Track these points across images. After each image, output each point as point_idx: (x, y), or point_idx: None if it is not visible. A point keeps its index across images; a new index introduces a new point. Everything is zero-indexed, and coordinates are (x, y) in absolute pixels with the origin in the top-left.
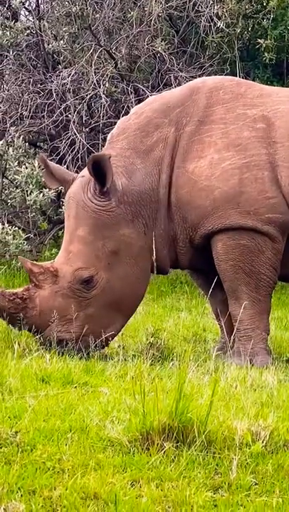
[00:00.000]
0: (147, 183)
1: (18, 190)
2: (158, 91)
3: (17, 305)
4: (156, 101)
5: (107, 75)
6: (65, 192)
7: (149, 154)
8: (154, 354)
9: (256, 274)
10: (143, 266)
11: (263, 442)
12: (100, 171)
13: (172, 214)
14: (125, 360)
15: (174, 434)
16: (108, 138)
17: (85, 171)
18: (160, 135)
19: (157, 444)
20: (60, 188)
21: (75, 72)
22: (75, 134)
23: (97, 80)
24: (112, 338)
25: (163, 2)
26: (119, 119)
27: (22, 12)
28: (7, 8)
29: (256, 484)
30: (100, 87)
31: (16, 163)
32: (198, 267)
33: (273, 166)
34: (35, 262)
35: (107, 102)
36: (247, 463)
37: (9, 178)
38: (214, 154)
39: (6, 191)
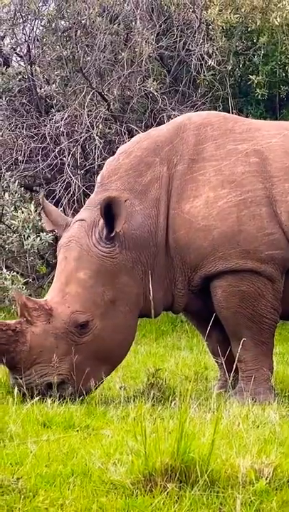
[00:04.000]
0: (146, 226)
1: (15, 235)
2: None
3: (9, 336)
4: (144, 140)
5: (100, 116)
6: (58, 234)
7: (147, 194)
8: (155, 394)
9: (258, 318)
10: (136, 313)
11: (266, 479)
12: (111, 215)
13: (171, 257)
14: (127, 401)
15: (177, 474)
16: (98, 180)
17: (82, 215)
18: (153, 174)
19: (160, 485)
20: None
21: (68, 115)
22: (70, 177)
23: (90, 122)
24: (94, 389)
25: (153, 42)
26: None
27: (13, 58)
28: None
29: None
30: (93, 129)
31: (12, 208)
32: (193, 310)
33: (271, 201)
34: (30, 297)
35: (101, 143)
36: (251, 501)
37: (6, 223)
38: (209, 192)
39: (4, 236)
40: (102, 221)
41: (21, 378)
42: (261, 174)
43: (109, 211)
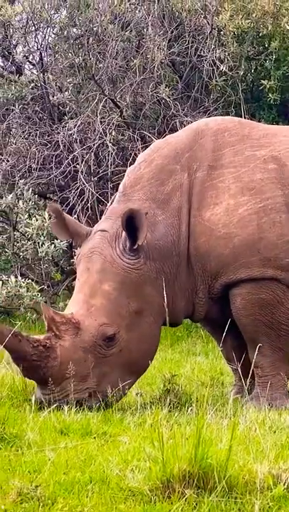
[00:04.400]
0: (169, 236)
1: (29, 243)
2: (164, 137)
3: (40, 353)
4: (164, 147)
5: (113, 123)
6: (77, 244)
7: (168, 204)
8: (171, 400)
9: (276, 325)
10: (160, 322)
11: (284, 485)
12: (132, 227)
13: (192, 265)
14: (143, 407)
15: (195, 480)
16: (120, 189)
17: (104, 225)
18: (175, 182)
19: (178, 492)
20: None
21: (81, 123)
22: (84, 184)
23: (103, 129)
24: (119, 400)
25: (165, 48)
26: (127, 166)
27: (26, 66)
28: (11, 63)
29: None
30: (106, 136)
31: (26, 216)
32: (210, 317)
33: None
34: (57, 311)
35: (114, 150)
36: (269, 506)
37: (20, 230)
38: (230, 200)
39: (18, 244)
40: (124, 233)
41: (52, 394)
42: (280, 181)
43: (130, 223)
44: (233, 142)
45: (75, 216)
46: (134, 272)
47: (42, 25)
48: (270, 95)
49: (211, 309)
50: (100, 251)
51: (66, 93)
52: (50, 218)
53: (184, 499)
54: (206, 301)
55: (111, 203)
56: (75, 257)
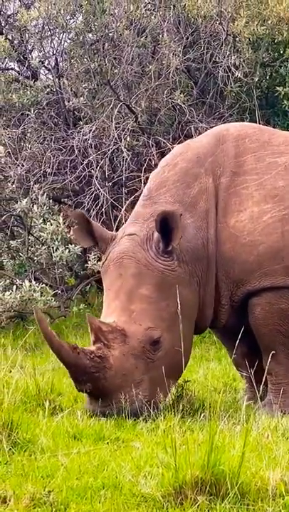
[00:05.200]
0: (199, 239)
1: (43, 247)
2: (179, 143)
3: (97, 364)
4: (187, 151)
5: (128, 129)
6: (102, 250)
7: (196, 207)
8: (184, 406)
9: None
10: (193, 326)
11: None
12: (166, 229)
13: (216, 270)
14: (156, 413)
15: (207, 487)
16: (145, 193)
17: (131, 229)
18: (201, 186)
19: (190, 498)
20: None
21: (96, 128)
22: (99, 189)
23: (118, 135)
24: (164, 402)
25: (180, 55)
26: (141, 172)
27: (41, 71)
28: (27, 68)
29: None
30: (121, 142)
31: (41, 221)
32: (228, 326)
33: None
34: (102, 321)
35: (128, 155)
36: None
37: (35, 235)
38: (254, 207)
39: (32, 248)
40: (156, 235)
41: (110, 405)
42: None
43: (165, 225)
44: (254, 148)
45: None
46: (171, 273)
47: (58, 30)
48: (285, 102)
49: (232, 318)
50: (130, 255)
51: (81, 98)
52: (64, 223)
53: (196, 506)
54: (228, 309)
55: (125, 208)
56: (89, 262)
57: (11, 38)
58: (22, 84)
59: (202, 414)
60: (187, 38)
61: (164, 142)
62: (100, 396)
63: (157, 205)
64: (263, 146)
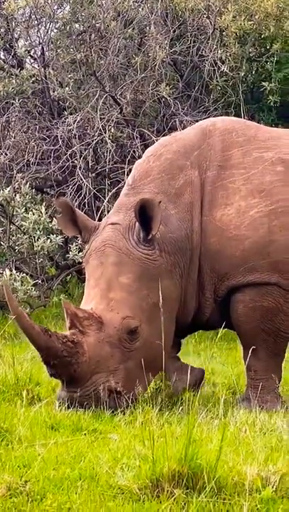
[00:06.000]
0: (183, 230)
1: (25, 237)
2: (163, 135)
3: (70, 348)
4: (173, 142)
5: (113, 120)
6: (85, 239)
7: (180, 198)
8: (162, 399)
9: (275, 332)
10: (174, 317)
11: (273, 487)
12: (146, 217)
13: (201, 263)
14: (134, 405)
15: (184, 480)
16: (129, 182)
17: (114, 218)
18: (186, 178)
19: (167, 491)
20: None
21: (81, 119)
22: (82, 180)
23: (102, 126)
24: (141, 395)
25: (167, 47)
26: (125, 164)
27: (27, 60)
28: (12, 56)
29: None
30: (105, 133)
31: (23, 210)
32: (212, 322)
33: None
34: (78, 307)
35: (112, 147)
36: (257, 509)
37: (16, 224)
38: (241, 202)
39: (14, 238)
40: (138, 224)
41: (80, 391)
42: (288, 183)
43: (143, 213)
44: (241, 143)
45: None
46: (152, 262)
47: (45, 20)
48: (271, 97)
49: (212, 312)
50: (112, 244)
51: (67, 88)
52: (46, 213)
53: (172, 499)
54: (211, 303)
55: (108, 199)
56: (70, 252)
57: None
58: (7, 72)
59: (180, 408)
60: (174, 31)
61: (148, 134)
62: (73, 382)
63: (141, 195)
64: (249, 141)
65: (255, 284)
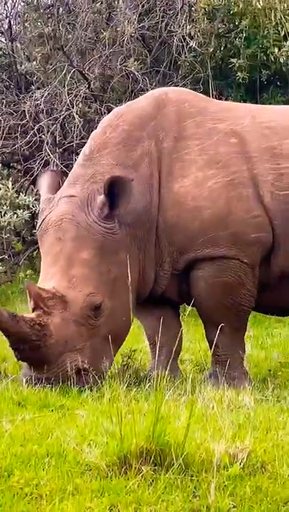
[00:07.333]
0: (141, 202)
1: None
2: None
3: (38, 332)
4: (127, 113)
5: (80, 95)
6: (40, 209)
7: (138, 170)
8: (130, 375)
9: (236, 306)
10: (135, 292)
11: (240, 464)
12: (113, 193)
13: (158, 236)
14: (102, 382)
15: (152, 457)
16: (86, 153)
17: (70, 191)
18: (143, 149)
19: (135, 468)
20: (34, 208)
21: (48, 93)
22: (49, 155)
23: (70, 101)
24: (107, 371)
25: (135, 22)
26: None
27: None
28: None
29: (234, 507)
30: (73, 108)
31: None
32: (167, 296)
33: (254, 182)
34: (41, 287)
35: (80, 122)
36: (225, 485)
37: None
38: (198, 173)
39: None
40: (100, 198)
41: (48, 372)
42: (243, 155)
43: (112, 189)
44: (194, 114)
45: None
46: (112, 236)
47: None
48: (239, 74)
49: (169, 285)
50: (70, 218)
51: (34, 63)
52: (13, 188)
53: (140, 475)
54: (169, 276)
55: None
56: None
57: None
58: None
59: (148, 385)
60: (143, 6)
61: None
62: (42, 364)
63: (99, 166)
64: (201, 112)
65: (214, 257)
